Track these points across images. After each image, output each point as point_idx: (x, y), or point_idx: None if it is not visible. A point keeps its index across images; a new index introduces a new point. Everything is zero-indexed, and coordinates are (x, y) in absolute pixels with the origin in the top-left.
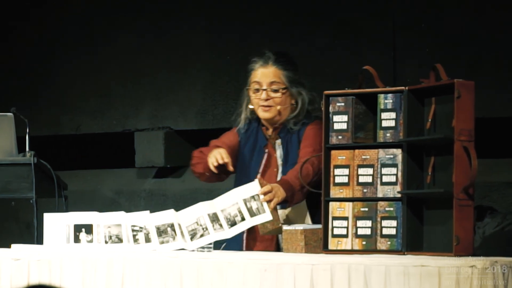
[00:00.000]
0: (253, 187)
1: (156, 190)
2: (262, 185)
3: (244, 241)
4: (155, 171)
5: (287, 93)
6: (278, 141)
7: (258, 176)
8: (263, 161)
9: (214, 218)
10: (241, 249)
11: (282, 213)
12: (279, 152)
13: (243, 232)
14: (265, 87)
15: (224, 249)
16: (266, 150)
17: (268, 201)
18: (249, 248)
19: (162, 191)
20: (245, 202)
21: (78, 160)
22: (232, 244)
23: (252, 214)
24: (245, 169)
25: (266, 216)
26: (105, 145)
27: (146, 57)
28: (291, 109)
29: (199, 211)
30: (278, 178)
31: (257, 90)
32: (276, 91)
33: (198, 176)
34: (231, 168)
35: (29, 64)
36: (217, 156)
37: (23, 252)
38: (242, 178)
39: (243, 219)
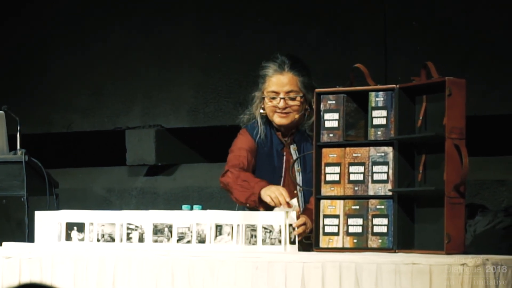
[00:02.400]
0: (282, 215)
1: (147, 188)
2: (296, 217)
3: None
4: (146, 169)
5: (303, 99)
6: (293, 146)
7: (294, 203)
8: (283, 165)
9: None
10: None
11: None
12: (295, 158)
13: None
14: (282, 95)
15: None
16: (284, 153)
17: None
18: None
19: (153, 189)
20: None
21: (69, 158)
22: None
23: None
24: (265, 173)
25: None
26: (96, 143)
27: (137, 55)
28: (306, 114)
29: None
30: (299, 184)
31: (273, 98)
32: (293, 99)
33: (236, 201)
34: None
35: (21, 62)
36: (280, 198)
37: (14, 250)
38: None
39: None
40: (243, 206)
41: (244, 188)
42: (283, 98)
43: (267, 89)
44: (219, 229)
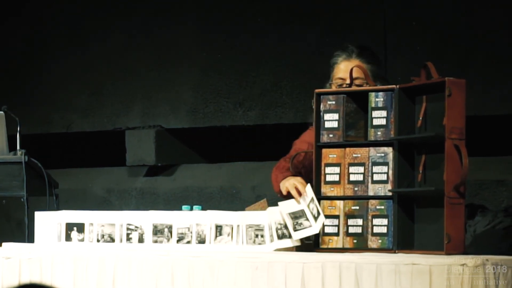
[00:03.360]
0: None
1: (147, 188)
2: None
3: None
4: (146, 170)
5: (370, 81)
6: None
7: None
8: None
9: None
10: None
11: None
12: None
13: None
14: (348, 81)
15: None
16: None
17: None
18: None
19: (153, 189)
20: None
21: (69, 159)
22: None
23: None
24: None
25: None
26: (96, 144)
27: (137, 55)
28: None
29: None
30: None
31: (341, 86)
32: (360, 86)
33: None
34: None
35: (20, 62)
36: (292, 190)
37: (14, 251)
38: None
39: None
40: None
41: (276, 179)
42: (349, 85)
43: (335, 76)
44: (219, 229)
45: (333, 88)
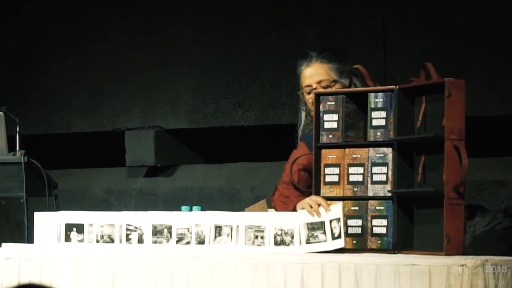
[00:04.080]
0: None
1: (147, 189)
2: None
3: None
4: (146, 170)
5: (338, 86)
6: None
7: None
8: None
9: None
10: None
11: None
12: None
13: None
14: (315, 86)
15: None
16: None
17: None
18: None
19: (153, 190)
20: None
21: (69, 159)
22: None
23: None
24: None
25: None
26: (96, 144)
27: (136, 56)
28: None
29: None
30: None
31: (309, 93)
32: (326, 87)
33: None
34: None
35: (20, 63)
36: (314, 206)
37: (14, 251)
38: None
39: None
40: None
41: (285, 204)
42: (315, 89)
43: (303, 85)
44: (218, 230)
45: (305, 97)
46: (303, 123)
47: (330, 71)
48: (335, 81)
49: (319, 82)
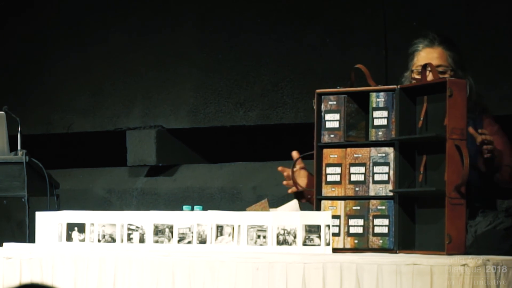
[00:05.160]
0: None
1: (148, 189)
2: None
3: None
4: (147, 170)
5: (454, 76)
6: None
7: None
8: None
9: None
10: None
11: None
12: None
13: None
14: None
15: None
16: None
17: None
18: None
19: (154, 189)
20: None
21: (70, 159)
22: None
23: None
24: None
25: None
26: (97, 144)
27: (137, 56)
28: None
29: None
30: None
31: (420, 73)
32: (443, 72)
33: None
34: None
35: (21, 62)
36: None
37: (15, 251)
38: None
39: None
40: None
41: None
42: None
43: (416, 63)
44: (220, 229)
45: (414, 75)
46: None
47: (451, 59)
48: (452, 70)
49: (438, 66)
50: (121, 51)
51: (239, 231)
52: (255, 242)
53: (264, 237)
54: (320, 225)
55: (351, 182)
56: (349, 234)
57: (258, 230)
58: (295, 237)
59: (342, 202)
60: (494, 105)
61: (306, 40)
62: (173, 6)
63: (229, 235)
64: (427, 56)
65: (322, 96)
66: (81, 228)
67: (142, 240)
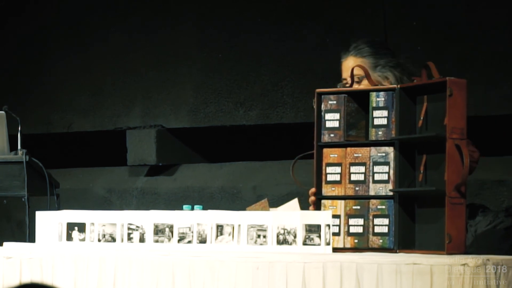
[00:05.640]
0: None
1: (148, 188)
2: None
3: None
4: (147, 169)
5: (370, 79)
6: None
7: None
8: None
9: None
10: None
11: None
12: None
13: None
14: (348, 79)
15: None
16: None
17: None
18: None
19: (154, 189)
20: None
21: (70, 158)
22: None
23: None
24: None
25: None
26: (97, 143)
27: (137, 55)
28: None
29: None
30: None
31: (344, 85)
32: (358, 82)
33: None
34: None
35: (21, 62)
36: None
37: (15, 250)
38: None
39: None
40: None
41: None
42: (350, 85)
43: (343, 76)
44: (220, 229)
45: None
46: None
47: (365, 64)
48: (365, 76)
49: (352, 75)
50: (121, 51)
51: (239, 231)
52: (255, 242)
53: (264, 236)
54: (320, 225)
55: (351, 182)
56: (349, 234)
57: (258, 230)
58: (295, 236)
59: (342, 201)
60: (494, 105)
61: (306, 40)
62: (173, 6)
63: (229, 234)
64: (344, 68)
65: (322, 96)
66: (81, 227)
67: (142, 239)
